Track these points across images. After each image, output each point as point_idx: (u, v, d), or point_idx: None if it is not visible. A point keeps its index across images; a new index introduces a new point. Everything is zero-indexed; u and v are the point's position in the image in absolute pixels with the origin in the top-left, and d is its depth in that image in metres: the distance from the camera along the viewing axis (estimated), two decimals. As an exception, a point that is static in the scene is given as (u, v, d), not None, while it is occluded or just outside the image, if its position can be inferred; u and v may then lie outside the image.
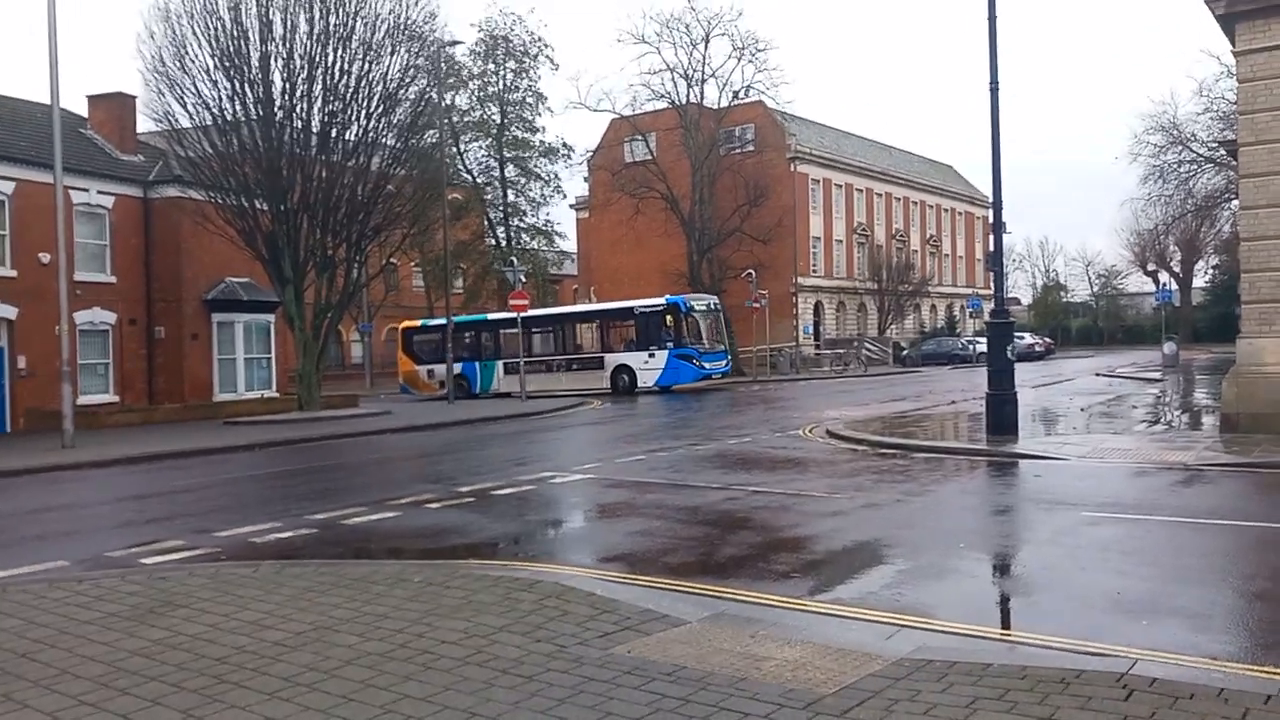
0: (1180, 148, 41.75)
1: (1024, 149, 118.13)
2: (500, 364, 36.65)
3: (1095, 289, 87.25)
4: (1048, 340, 62.32)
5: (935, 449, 14.55)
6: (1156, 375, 32.26)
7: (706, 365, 33.82)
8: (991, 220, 16.99)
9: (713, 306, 36.06)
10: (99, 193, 27.81)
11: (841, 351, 49.85)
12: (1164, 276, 69.92)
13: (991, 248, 17.30)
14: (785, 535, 8.86)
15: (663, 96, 52.38)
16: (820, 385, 36.87)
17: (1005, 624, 6.24)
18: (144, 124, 28.45)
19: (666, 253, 54.05)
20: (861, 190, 65.39)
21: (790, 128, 58.53)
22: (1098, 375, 35.05)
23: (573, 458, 15.47)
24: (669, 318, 33.22)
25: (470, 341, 38.20)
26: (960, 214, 78.61)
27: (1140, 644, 5.33)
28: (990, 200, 16.86)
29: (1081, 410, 20.27)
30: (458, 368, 36.32)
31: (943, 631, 5.77)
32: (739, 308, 44.25)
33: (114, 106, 30.11)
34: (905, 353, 56.39)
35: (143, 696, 4.82)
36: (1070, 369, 41.23)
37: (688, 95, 52.06)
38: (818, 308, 60.63)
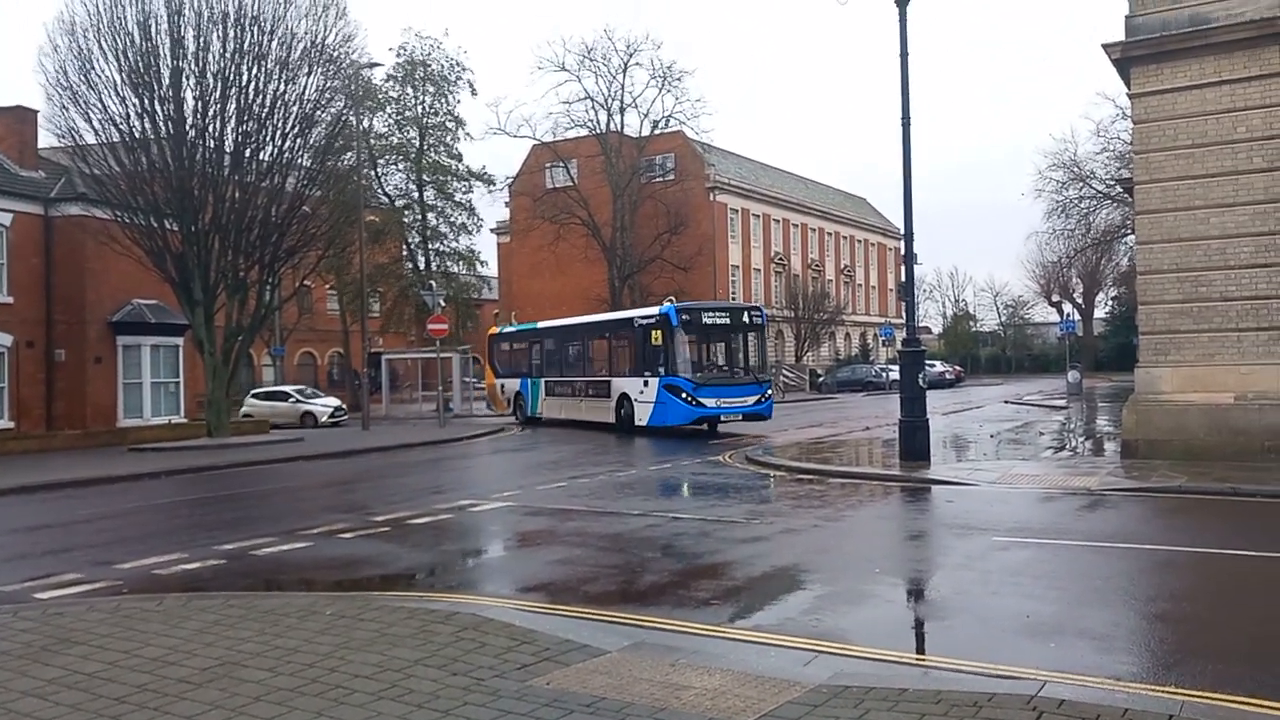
0: (1081, 184, 43.36)
1: (935, 182, 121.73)
2: (543, 383, 30.31)
3: (1003, 319, 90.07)
4: (958, 368, 64.08)
5: (851, 475, 14.78)
6: (1062, 403, 33.33)
7: (707, 402, 23.49)
8: (903, 251, 17.41)
9: (750, 319, 25.68)
10: (-4, 210, 26.73)
11: (760, 378, 50.32)
12: (1067, 307, 72.45)
13: (903, 278, 17.69)
14: (705, 562, 8.88)
15: (584, 125, 52.72)
16: (739, 412, 37.03)
17: (920, 648, 6.34)
18: (46, 139, 27.51)
19: (588, 278, 54.12)
20: (779, 221, 66.58)
21: (709, 158, 59.38)
22: (1006, 403, 36.07)
23: (492, 485, 15.30)
24: (656, 333, 24.19)
25: (528, 353, 31.96)
26: (873, 245, 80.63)
27: (1049, 666, 5.47)
28: (902, 232, 17.27)
29: (991, 437, 20.82)
30: (515, 384, 31.85)
31: (859, 657, 5.83)
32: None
33: (13, 120, 29.02)
34: (821, 380, 57.37)
35: (35, 740, 4.59)
36: (980, 396, 42.36)
37: (608, 124, 52.54)
38: (737, 335, 61.17)
